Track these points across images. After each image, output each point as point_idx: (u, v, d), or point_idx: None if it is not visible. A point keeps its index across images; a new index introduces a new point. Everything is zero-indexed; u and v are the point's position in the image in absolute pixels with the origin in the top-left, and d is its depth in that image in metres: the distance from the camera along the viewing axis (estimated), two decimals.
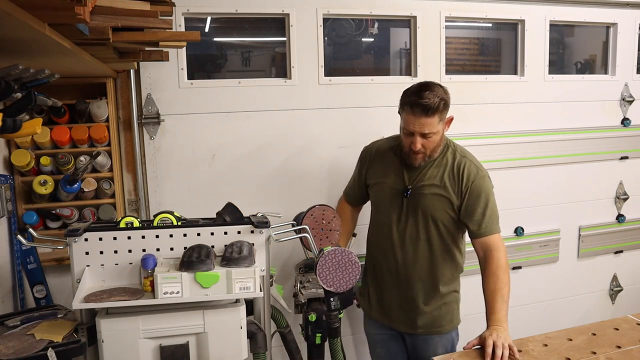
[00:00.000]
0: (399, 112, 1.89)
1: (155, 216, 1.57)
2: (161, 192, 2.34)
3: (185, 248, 1.46)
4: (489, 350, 1.55)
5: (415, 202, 1.93)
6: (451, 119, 1.88)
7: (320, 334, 1.84)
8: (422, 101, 1.76)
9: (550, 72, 2.88)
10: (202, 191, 2.37)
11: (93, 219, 2.16)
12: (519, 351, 1.54)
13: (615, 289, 3.20)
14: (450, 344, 2.02)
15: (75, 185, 2.06)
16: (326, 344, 1.94)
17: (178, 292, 1.35)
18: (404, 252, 1.96)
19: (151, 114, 2.28)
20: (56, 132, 2.06)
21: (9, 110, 1.31)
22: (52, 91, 1.86)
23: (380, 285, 2.04)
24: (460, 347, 1.80)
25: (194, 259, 1.38)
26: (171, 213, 1.56)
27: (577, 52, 3.14)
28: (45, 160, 2.05)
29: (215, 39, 2.55)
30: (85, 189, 2.11)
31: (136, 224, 1.52)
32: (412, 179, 1.94)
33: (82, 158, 2.12)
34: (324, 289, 1.64)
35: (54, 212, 2.10)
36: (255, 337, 1.53)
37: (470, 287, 2.37)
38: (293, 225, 1.77)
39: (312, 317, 1.82)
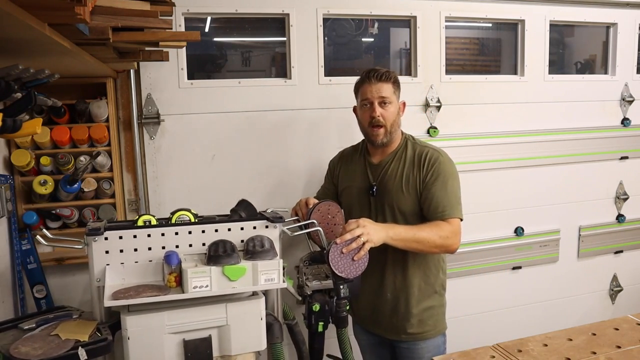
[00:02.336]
0: (355, 97, 2.03)
1: (172, 214, 1.60)
2: (161, 192, 2.34)
3: (203, 244, 1.51)
4: (351, 226, 1.63)
5: (381, 199, 1.94)
6: (404, 104, 2.02)
7: (322, 322, 1.87)
8: (376, 68, 1.96)
9: (550, 72, 2.88)
10: (202, 191, 2.37)
11: (93, 219, 2.16)
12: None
13: (615, 289, 3.20)
14: (437, 351, 1.97)
15: (75, 185, 2.06)
16: (334, 334, 1.96)
17: (207, 286, 1.38)
18: (376, 253, 1.91)
19: (151, 114, 2.28)
20: (56, 132, 2.06)
21: (9, 110, 1.31)
22: (52, 91, 1.86)
23: (361, 294, 1.99)
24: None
25: (220, 253, 1.42)
26: (188, 210, 1.61)
27: (577, 52, 3.14)
28: (45, 160, 2.05)
29: (215, 39, 2.55)
30: (85, 189, 2.11)
31: (154, 222, 1.55)
32: (376, 176, 1.97)
33: (82, 158, 2.12)
34: (334, 276, 1.67)
35: (54, 212, 2.10)
36: (272, 327, 1.58)
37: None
38: (302, 221, 1.83)
39: (316, 307, 1.86)
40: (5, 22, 0.95)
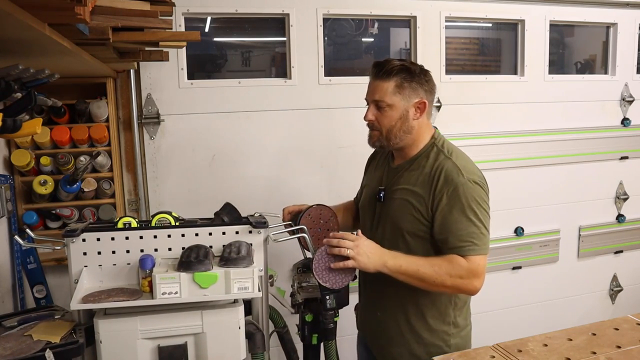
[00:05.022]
0: None
1: (153, 216, 1.56)
2: (161, 192, 2.34)
3: (183, 248, 1.46)
4: (350, 236, 1.47)
5: (386, 208, 1.69)
6: (423, 103, 1.61)
7: (316, 335, 1.83)
8: (380, 61, 1.63)
9: (550, 72, 2.88)
10: (202, 191, 2.37)
11: (93, 219, 2.16)
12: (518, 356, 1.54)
13: (615, 289, 3.20)
14: None
15: (75, 185, 2.06)
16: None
17: (176, 293, 1.34)
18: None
19: (151, 114, 2.28)
20: (56, 132, 2.06)
21: (9, 110, 1.30)
22: (52, 91, 1.86)
23: (361, 298, 1.90)
24: None
25: (192, 259, 1.37)
26: (169, 213, 1.56)
27: (577, 52, 3.14)
28: (45, 160, 2.05)
29: (215, 39, 2.55)
30: (85, 189, 2.12)
31: (134, 224, 1.51)
32: (389, 181, 1.71)
33: (82, 158, 2.12)
34: (319, 286, 1.62)
35: (54, 212, 2.10)
36: (253, 337, 1.53)
37: None
38: (291, 226, 1.77)
39: (309, 317, 1.81)
40: (5, 22, 0.95)
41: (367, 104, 1.67)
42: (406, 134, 1.62)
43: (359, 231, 1.59)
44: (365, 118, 1.64)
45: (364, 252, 1.49)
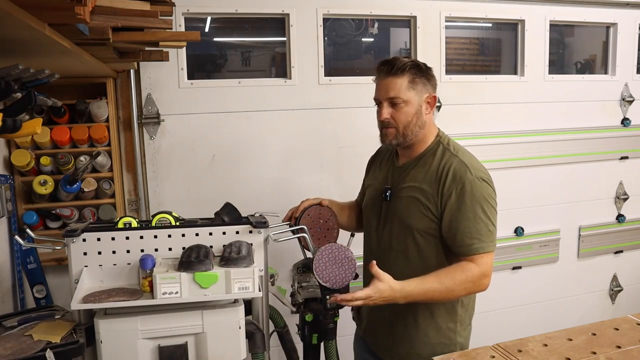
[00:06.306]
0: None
1: (153, 216, 1.56)
2: (161, 192, 2.34)
3: (183, 248, 1.46)
4: (361, 294, 1.46)
5: (393, 206, 1.70)
6: (433, 98, 1.66)
7: (317, 334, 1.83)
8: (389, 59, 1.64)
9: (550, 72, 2.88)
10: (202, 191, 2.37)
11: (93, 219, 2.16)
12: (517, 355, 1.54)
13: (615, 289, 3.20)
14: None
15: (75, 185, 2.06)
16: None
17: (177, 293, 1.34)
18: (380, 264, 1.65)
19: (151, 114, 2.28)
20: (56, 132, 2.06)
21: (9, 110, 1.30)
22: (52, 91, 1.86)
23: None
24: None
25: (192, 259, 1.37)
26: (169, 213, 1.56)
27: (577, 52, 3.14)
28: (45, 160, 2.05)
29: (215, 39, 2.55)
30: (85, 189, 2.12)
31: (134, 224, 1.51)
32: (395, 180, 1.72)
33: (82, 158, 2.12)
34: (320, 285, 1.63)
35: (54, 212, 2.10)
36: (253, 337, 1.53)
37: None
38: (291, 226, 1.77)
39: (309, 317, 1.80)
40: (5, 22, 0.95)
41: (377, 104, 1.67)
42: (420, 129, 1.65)
43: (374, 267, 1.52)
44: (380, 117, 1.64)
45: (377, 300, 1.50)
